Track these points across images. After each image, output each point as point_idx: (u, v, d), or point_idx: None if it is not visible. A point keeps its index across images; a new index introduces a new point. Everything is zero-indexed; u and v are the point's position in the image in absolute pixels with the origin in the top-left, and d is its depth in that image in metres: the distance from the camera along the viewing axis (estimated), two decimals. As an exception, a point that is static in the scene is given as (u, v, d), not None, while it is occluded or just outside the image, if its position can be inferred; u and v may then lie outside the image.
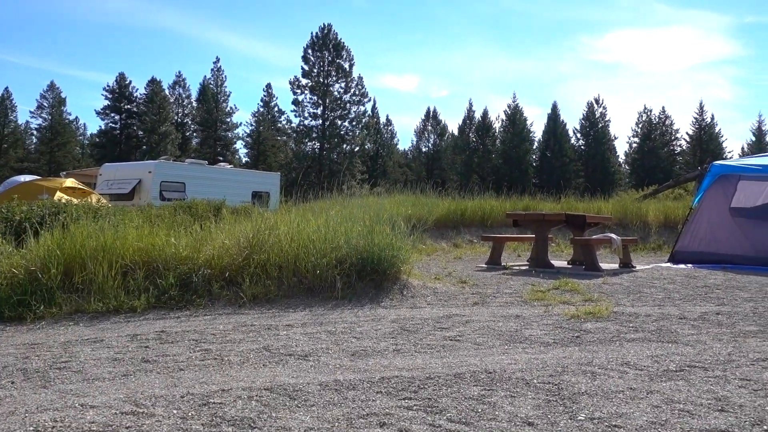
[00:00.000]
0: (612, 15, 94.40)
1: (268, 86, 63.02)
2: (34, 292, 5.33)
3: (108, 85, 57.27)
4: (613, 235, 9.31)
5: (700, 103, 68.94)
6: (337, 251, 6.14)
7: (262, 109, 62.06)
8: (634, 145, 64.31)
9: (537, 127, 76.98)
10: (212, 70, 61.37)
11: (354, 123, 55.14)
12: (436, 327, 4.73)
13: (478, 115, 65.33)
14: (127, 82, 57.41)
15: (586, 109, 64.46)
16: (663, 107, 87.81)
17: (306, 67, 53.91)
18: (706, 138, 62.59)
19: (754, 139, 63.76)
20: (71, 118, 64.03)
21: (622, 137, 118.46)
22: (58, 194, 12.32)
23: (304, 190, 9.85)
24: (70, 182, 14.94)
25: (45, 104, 59.43)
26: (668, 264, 9.74)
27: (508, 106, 64.67)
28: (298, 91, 53.98)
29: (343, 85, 54.60)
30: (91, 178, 18.82)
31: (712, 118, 63.41)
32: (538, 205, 16.14)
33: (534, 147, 65.11)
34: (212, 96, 60.02)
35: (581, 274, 8.27)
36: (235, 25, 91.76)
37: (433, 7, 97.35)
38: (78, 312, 5.26)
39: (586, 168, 62.21)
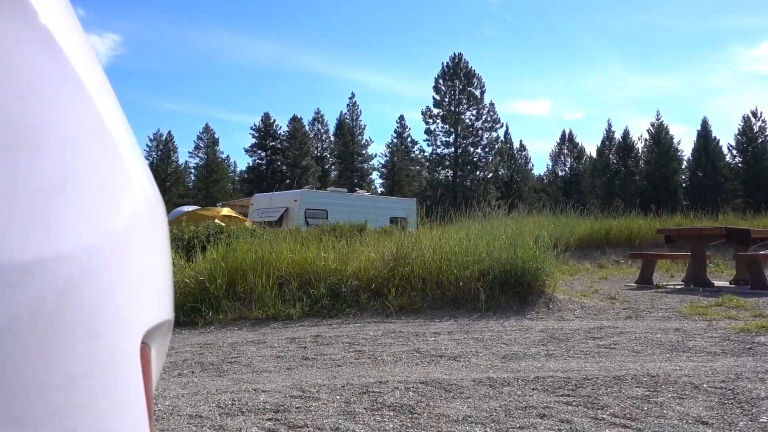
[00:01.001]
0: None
1: (401, 118, 64.78)
2: (203, 300, 5.86)
3: (255, 125, 61.86)
4: (783, 251, 8.43)
5: None
6: (480, 264, 6.14)
7: (395, 140, 63.73)
8: (802, 159, 57.77)
9: (685, 145, 71.96)
10: (348, 105, 64.31)
11: (487, 149, 54.86)
12: (588, 336, 4.57)
13: (618, 135, 62.30)
14: (271, 121, 61.69)
15: (742, 124, 59.09)
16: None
17: (437, 97, 54.73)
18: None
19: None
20: (223, 156, 69.71)
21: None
22: (216, 221, 13.49)
23: (440, 215, 9.98)
24: (226, 211, 16.28)
25: (201, 145, 65.39)
26: None
27: (652, 125, 60.98)
28: (430, 120, 54.85)
29: (474, 112, 54.70)
30: (244, 208, 20.36)
31: None
32: (691, 224, 15.00)
33: (683, 167, 60.69)
34: (348, 130, 62.71)
35: (746, 292, 7.56)
36: (369, 61, 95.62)
37: (564, 29, 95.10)
38: (241, 318, 5.70)
39: (746, 187, 56.71)
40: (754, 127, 58.64)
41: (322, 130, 64.51)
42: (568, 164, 65.78)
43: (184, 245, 7.45)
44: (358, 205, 19.21)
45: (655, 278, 9.33)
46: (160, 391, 3.15)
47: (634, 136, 61.58)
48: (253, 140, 61.85)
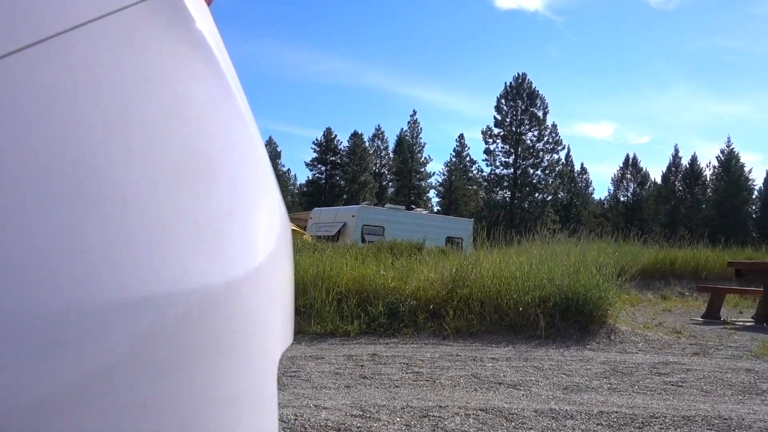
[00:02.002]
0: None
1: (461, 136, 64.56)
2: (265, 312, 5.99)
3: (316, 140, 63.01)
4: None
5: None
6: (540, 290, 6.05)
7: (454, 159, 63.60)
8: None
9: (757, 174, 68.79)
10: (409, 122, 64.64)
11: (547, 171, 54.05)
12: (653, 372, 4.42)
13: (685, 161, 60.25)
14: (332, 136, 62.69)
15: (821, 154, 56.15)
16: None
17: (499, 117, 54.41)
18: None
19: None
20: (284, 169, 71.20)
21: None
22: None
23: (496, 237, 9.88)
24: (286, 223, 16.61)
25: (264, 158, 67.05)
26: None
27: (721, 152, 58.74)
28: (490, 140, 54.53)
29: (536, 133, 54.07)
30: (303, 222, 20.70)
31: None
32: (764, 257, 14.30)
33: (754, 197, 58.03)
34: (408, 147, 63.00)
35: (826, 333, 7.15)
36: (432, 80, 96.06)
37: (631, 51, 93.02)
38: (300, 332, 5.79)
39: (822, 220, 53.78)
40: (834, 157, 55.52)
41: (382, 147, 65.05)
42: (631, 189, 63.91)
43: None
44: (415, 223, 19.21)
45: (723, 313, 8.94)
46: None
47: (702, 162, 59.39)
48: (314, 154, 62.93)
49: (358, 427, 2.77)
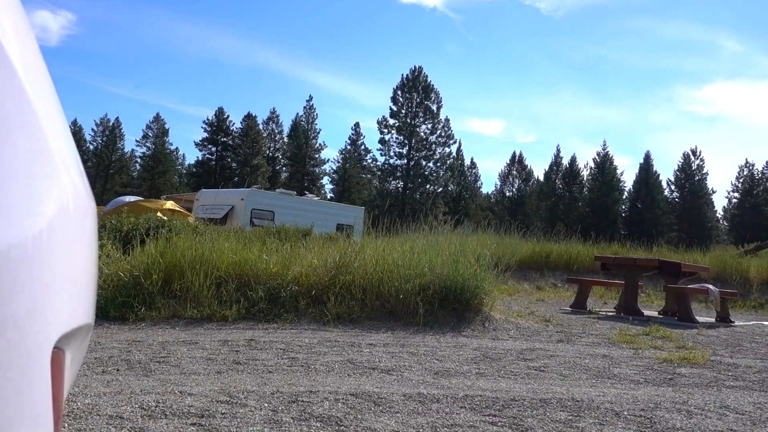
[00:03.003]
0: (712, 66, 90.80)
1: (357, 125, 64.83)
2: (137, 296, 5.69)
3: (207, 119, 60.77)
4: (710, 286, 8.82)
5: (810, 160, 64.52)
6: (421, 278, 6.19)
7: (349, 147, 63.72)
8: (734, 200, 60.87)
9: (627, 176, 74.62)
10: (305, 107, 64.03)
11: (438, 164, 55.52)
12: (520, 357, 4.66)
13: (565, 161, 64.16)
14: (225, 117, 60.68)
15: (682, 161, 61.82)
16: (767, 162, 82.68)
17: (394, 108, 55.08)
18: (816, 196, 58.31)
19: None
20: (172, 148, 68.14)
21: (720, 191, 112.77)
22: (159, 214, 13.14)
23: (387, 226, 10.01)
24: (170, 204, 15.88)
25: (150, 134, 63.75)
26: (771, 321, 9.09)
27: (598, 154, 63.13)
28: (386, 130, 55.13)
29: (429, 126, 55.32)
30: (189, 203, 19.89)
31: (822, 175, 59.13)
32: (627, 253, 15.53)
33: (624, 197, 62.93)
34: (303, 132, 62.31)
35: (674, 324, 7.88)
36: (329, 65, 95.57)
37: (523, 53, 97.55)
38: (175, 317, 5.56)
39: (680, 221, 59.24)
40: (692, 164, 61.36)
41: (276, 130, 63.91)
42: (516, 185, 67.23)
43: (121, 237, 7.22)
44: (306, 209, 19.07)
45: (589, 304, 9.62)
46: (80, 388, 3.03)
47: (580, 163, 63.46)
48: (205, 134, 60.70)
49: (222, 413, 2.68)
